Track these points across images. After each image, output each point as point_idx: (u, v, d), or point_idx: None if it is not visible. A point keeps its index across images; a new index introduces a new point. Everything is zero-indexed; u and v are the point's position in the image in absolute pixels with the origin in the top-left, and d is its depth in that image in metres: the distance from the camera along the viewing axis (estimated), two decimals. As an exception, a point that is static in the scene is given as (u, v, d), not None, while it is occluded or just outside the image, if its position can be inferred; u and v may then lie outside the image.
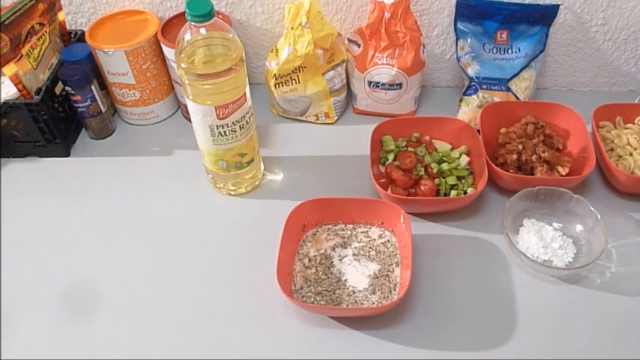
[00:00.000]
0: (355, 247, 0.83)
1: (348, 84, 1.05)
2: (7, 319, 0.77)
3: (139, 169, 0.98)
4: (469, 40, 0.99)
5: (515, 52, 0.99)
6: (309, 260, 0.81)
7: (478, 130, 0.93)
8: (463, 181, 0.89)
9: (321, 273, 0.80)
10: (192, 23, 0.73)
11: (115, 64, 0.96)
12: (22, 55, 0.92)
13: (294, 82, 0.99)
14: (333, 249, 0.83)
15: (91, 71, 0.96)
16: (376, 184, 0.85)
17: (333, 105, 1.02)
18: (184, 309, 0.78)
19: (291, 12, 0.93)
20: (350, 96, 1.07)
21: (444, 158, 0.92)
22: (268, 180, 0.95)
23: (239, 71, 0.77)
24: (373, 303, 0.76)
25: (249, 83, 0.82)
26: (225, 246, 0.85)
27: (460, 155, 0.93)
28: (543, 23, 0.98)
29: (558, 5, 0.96)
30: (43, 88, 0.94)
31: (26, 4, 0.92)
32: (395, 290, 0.77)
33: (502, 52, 0.99)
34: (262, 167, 0.95)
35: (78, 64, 0.96)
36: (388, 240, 0.83)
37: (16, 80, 0.92)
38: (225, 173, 0.89)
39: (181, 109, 1.08)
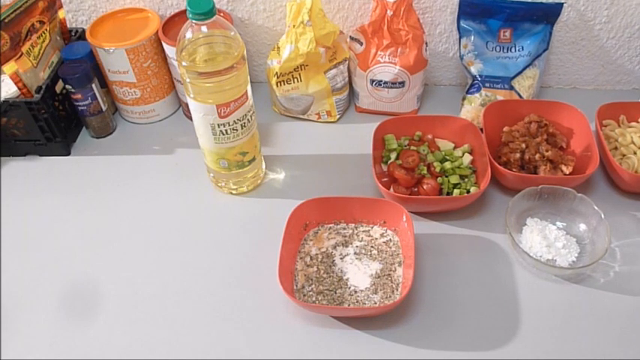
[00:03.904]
0: (357, 246, 0.82)
1: (350, 82, 1.04)
2: (7, 319, 0.77)
3: (140, 168, 0.98)
4: (472, 38, 0.99)
5: (519, 50, 0.98)
6: (311, 259, 0.81)
7: (481, 129, 0.93)
8: (466, 179, 0.89)
9: (322, 272, 0.79)
10: (194, 21, 0.73)
11: (116, 62, 0.96)
12: (22, 53, 0.92)
13: (295, 80, 0.98)
14: (335, 247, 0.82)
15: (92, 69, 0.96)
16: (378, 183, 0.84)
17: (335, 103, 1.02)
18: (185, 308, 0.78)
19: (293, 10, 0.93)
20: (352, 94, 1.06)
21: (447, 157, 0.91)
22: (270, 179, 0.95)
23: (240, 69, 0.77)
24: (375, 303, 0.76)
25: (251, 81, 0.82)
26: (227, 245, 0.85)
27: (463, 154, 0.92)
28: (547, 21, 0.97)
29: (562, 3, 0.95)
30: (44, 87, 0.94)
31: (26, 1, 0.92)
32: (397, 290, 0.77)
33: (505, 50, 0.99)
34: (264, 166, 0.95)
35: (78, 62, 0.96)
36: (390, 239, 0.83)
37: (16, 78, 0.91)
38: (227, 172, 0.89)
39: (182, 108, 1.08)
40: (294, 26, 0.94)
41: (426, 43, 0.98)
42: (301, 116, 1.05)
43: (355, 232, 0.84)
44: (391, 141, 0.93)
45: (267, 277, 0.77)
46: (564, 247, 0.80)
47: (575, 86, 1.11)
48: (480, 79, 0.99)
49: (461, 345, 0.72)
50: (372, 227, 0.85)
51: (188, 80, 0.77)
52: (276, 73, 0.98)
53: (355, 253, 0.81)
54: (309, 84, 0.99)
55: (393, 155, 0.91)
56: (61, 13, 1.02)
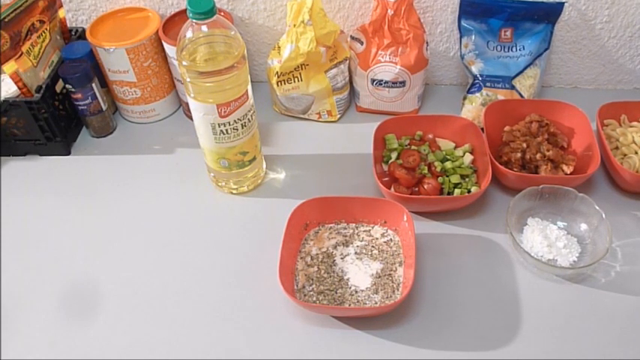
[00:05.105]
0: (357, 246, 0.82)
1: (350, 82, 1.04)
2: (7, 319, 0.77)
3: (140, 167, 0.97)
4: (473, 37, 0.99)
5: (520, 49, 0.98)
6: (312, 258, 0.81)
7: (482, 128, 0.93)
8: (467, 179, 0.89)
9: (323, 271, 0.79)
10: (194, 21, 0.73)
11: (116, 61, 0.96)
12: (22, 53, 0.92)
13: (296, 79, 0.98)
14: (335, 247, 0.82)
15: (92, 69, 0.96)
16: (379, 183, 0.84)
17: (336, 103, 1.02)
18: (186, 308, 0.78)
19: (294, 9, 0.92)
20: (353, 94, 1.06)
21: (448, 156, 0.91)
22: (270, 178, 0.95)
23: (241, 69, 0.77)
24: (376, 302, 0.75)
25: (251, 81, 0.82)
26: (227, 245, 0.85)
27: (464, 153, 0.92)
28: (548, 21, 0.97)
29: (563, 3, 0.95)
30: (44, 86, 0.94)
31: (26, 1, 0.92)
32: (398, 290, 0.77)
33: (506, 49, 0.99)
34: (264, 166, 0.95)
35: (79, 61, 0.96)
36: (391, 239, 0.83)
37: (17, 78, 0.91)
38: (227, 172, 0.88)
39: (183, 107, 1.08)
40: (294, 25, 0.94)
41: (427, 43, 0.98)
42: (302, 116, 1.05)
43: (356, 231, 0.84)
44: (392, 140, 0.93)
45: (268, 277, 0.77)
46: (565, 246, 0.80)
47: (576, 86, 1.11)
48: (480, 78, 0.99)
49: (462, 345, 0.72)
50: (372, 227, 0.85)
51: (188, 80, 0.76)
52: (277, 72, 0.98)
53: (356, 253, 0.81)
54: (310, 83, 0.99)
55: (394, 155, 0.91)
56: (61, 13, 1.02)
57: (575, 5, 0.98)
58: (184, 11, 0.82)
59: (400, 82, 0.98)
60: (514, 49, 0.99)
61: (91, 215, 0.90)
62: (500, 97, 0.98)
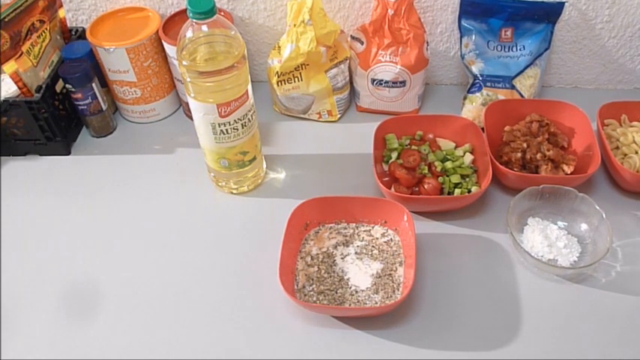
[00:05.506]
0: (358, 246, 0.82)
1: (351, 81, 1.04)
2: (7, 319, 0.77)
3: (140, 167, 0.97)
4: (473, 37, 0.99)
5: (520, 49, 0.98)
6: (312, 258, 0.81)
7: (482, 128, 0.93)
8: (467, 179, 0.89)
9: (323, 271, 0.79)
10: (194, 20, 0.73)
11: (116, 61, 0.96)
12: (22, 53, 0.92)
13: (296, 79, 0.98)
14: (335, 247, 0.82)
15: (92, 69, 0.96)
16: (379, 183, 0.84)
17: (336, 103, 1.02)
18: (186, 308, 0.78)
19: (294, 9, 0.92)
20: (353, 94, 1.06)
21: (448, 156, 0.91)
22: (270, 178, 0.95)
23: (241, 69, 0.77)
24: (376, 302, 0.75)
25: (252, 81, 0.82)
26: (227, 245, 0.85)
27: (464, 153, 0.92)
28: (548, 21, 0.97)
29: (563, 2, 0.95)
30: (44, 86, 0.94)
31: (26, 0, 0.92)
32: (398, 290, 0.77)
33: (507, 49, 0.99)
34: (264, 165, 0.95)
35: (79, 61, 0.96)
36: (391, 239, 0.83)
37: (17, 78, 0.91)
38: (227, 172, 0.88)
39: (183, 107, 1.08)
40: (294, 25, 0.94)
41: (427, 43, 0.98)
42: (302, 116, 1.04)
43: (356, 231, 0.84)
44: (392, 140, 0.93)
45: (268, 277, 0.77)
46: (566, 246, 0.80)
47: (577, 85, 1.10)
48: (481, 78, 0.99)
49: (462, 345, 0.72)
50: (372, 227, 0.84)
51: (189, 79, 0.76)
52: (277, 72, 0.98)
53: (356, 253, 0.81)
54: (310, 83, 0.98)
55: (394, 155, 0.91)
56: (61, 13, 1.02)
57: (576, 5, 0.98)
58: (184, 11, 0.82)
59: (400, 82, 0.98)
60: (514, 48, 0.99)
61: (91, 215, 0.90)
62: (501, 97, 0.98)
